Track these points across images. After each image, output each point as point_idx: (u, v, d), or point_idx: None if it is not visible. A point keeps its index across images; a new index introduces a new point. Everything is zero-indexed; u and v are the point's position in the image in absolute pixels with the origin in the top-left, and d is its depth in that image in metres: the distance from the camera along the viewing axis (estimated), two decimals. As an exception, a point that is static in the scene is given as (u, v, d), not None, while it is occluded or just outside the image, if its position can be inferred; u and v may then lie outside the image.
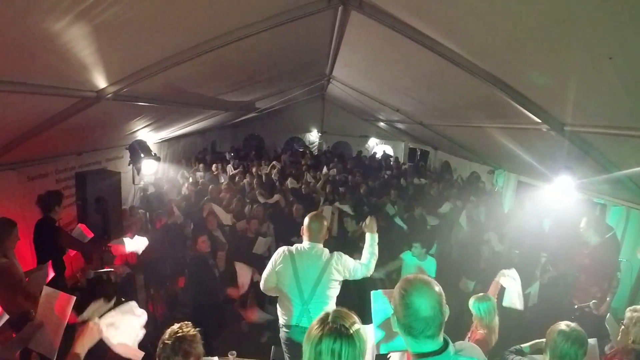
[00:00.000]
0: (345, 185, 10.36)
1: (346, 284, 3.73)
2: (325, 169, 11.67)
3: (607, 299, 4.61)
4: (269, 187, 9.51)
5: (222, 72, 5.89)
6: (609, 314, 4.05)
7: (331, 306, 3.54)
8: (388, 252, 5.92)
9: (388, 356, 2.80)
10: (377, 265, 3.83)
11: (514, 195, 9.09)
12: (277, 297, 3.71)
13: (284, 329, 3.61)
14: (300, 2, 3.92)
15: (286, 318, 3.58)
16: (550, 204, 6.69)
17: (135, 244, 5.24)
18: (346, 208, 7.72)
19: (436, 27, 3.88)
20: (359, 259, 3.72)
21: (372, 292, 3.06)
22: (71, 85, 3.86)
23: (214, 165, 11.30)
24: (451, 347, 1.75)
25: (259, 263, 5.57)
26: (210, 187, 8.89)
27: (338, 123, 17.52)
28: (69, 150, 6.53)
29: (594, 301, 4.36)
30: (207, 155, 13.69)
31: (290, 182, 9.79)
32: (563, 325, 2.62)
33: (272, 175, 10.43)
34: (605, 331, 3.83)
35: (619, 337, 3.17)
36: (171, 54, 4.07)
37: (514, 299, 4.10)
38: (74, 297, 2.86)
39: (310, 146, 18.18)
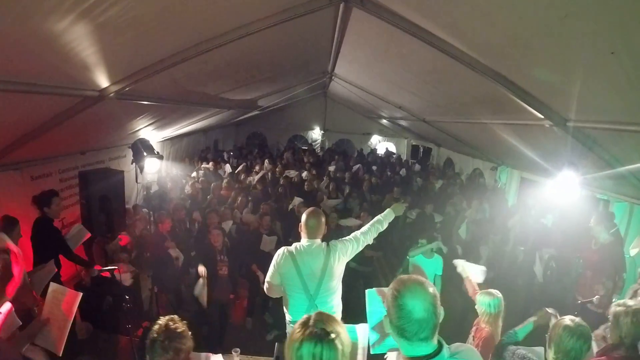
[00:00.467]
0: (348, 182, 10.38)
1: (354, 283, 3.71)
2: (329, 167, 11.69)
3: (613, 300, 4.59)
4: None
5: (224, 71, 5.89)
6: None
7: (337, 298, 3.58)
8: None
9: (385, 356, 2.80)
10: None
11: (517, 192, 9.08)
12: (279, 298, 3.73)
13: (292, 325, 3.62)
14: (303, 0, 3.92)
15: (293, 315, 3.58)
16: (553, 200, 6.69)
17: None
18: (333, 202, 7.75)
19: (438, 24, 3.87)
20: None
21: (366, 291, 3.07)
22: (74, 84, 3.87)
23: (213, 164, 11.36)
24: (445, 350, 1.72)
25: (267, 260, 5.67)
26: (213, 184, 8.92)
27: (340, 120, 17.51)
28: (73, 149, 6.55)
29: (597, 297, 4.35)
30: (209, 153, 13.72)
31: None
32: (568, 320, 2.61)
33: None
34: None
35: (610, 333, 3.16)
36: (173, 52, 4.07)
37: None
38: (80, 294, 2.89)
39: (313, 144, 18.18)
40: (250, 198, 8.42)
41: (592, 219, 5.07)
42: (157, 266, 5.63)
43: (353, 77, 9.54)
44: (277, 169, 11.21)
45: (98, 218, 4.97)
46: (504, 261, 6.47)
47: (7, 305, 2.81)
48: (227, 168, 11.45)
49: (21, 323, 2.88)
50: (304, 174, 10.42)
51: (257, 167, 11.32)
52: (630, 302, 3.00)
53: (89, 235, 5.16)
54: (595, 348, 3.19)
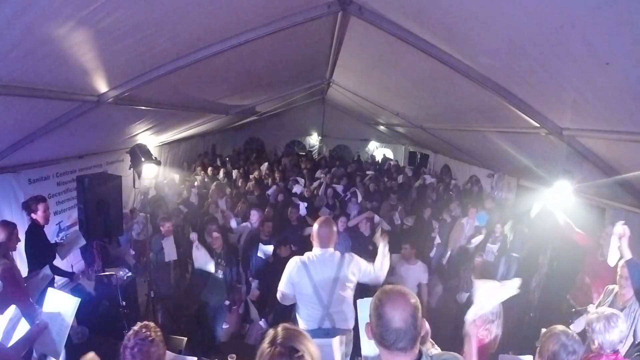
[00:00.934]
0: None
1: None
2: (319, 173, 11.71)
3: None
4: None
5: (222, 77, 5.92)
6: None
7: (350, 305, 3.58)
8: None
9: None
10: None
11: (514, 199, 9.11)
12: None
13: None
14: (301, 8, 3.95)
15: (307, 323, 3.58)
16: (551, 207, 6.71)
17: None
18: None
19: (435, 33, 3.91)
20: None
21: (358, 301, 3.10)
22: (72, 89, 3.89)
23: (211, 169, 11.38)
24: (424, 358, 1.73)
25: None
26: (212, 188, 8.93)
27: (338, 126, 17.55)
28: (70, 153, 6.55)
29: (591, 305, 4.36)
30: (207, 158, 13.71)
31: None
32: (563, 337, 2.59)
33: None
34: None
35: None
36: (172, 59, 4.10)
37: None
38: (78, 299, 2.89)
39: (311, 150, 18.20)
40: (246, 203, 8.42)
41: (604, 232, 4.99)
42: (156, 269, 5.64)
43: (351, 84, 9.59)
44: (275, 175, 11.21)
45: (95, 222, 4.95)
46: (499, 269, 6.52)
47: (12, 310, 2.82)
48: (221, 173, 11.46)
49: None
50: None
51: (255, 173, 11.33)
52: (604, 309, 3.06)
53: (84, 242, 5.16)
54: None
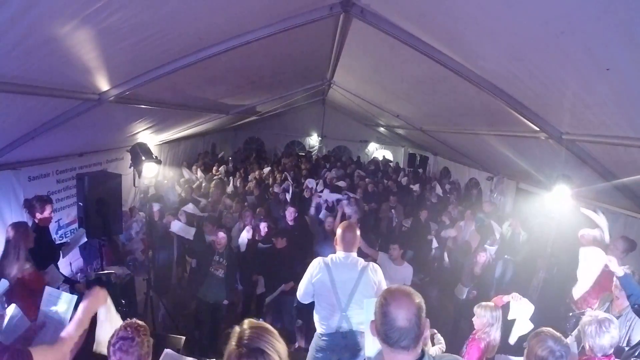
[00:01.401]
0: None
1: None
2: (324, 173, 11.69)
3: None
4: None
5: (224, 77, 5.93)
6: None
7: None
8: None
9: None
10: None
11: (513, 202, 9.12)
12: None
13: (324, 338, 3.64)
14: (303, 10, 3.96)
15: (325, 325, 3.62)
16: (549, 211, 6.72)
17: None
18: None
19: (437, 36, 3.92)
20: None
21: (365, 300, 3.12)
22: (74, 87, 3.89)
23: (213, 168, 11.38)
24: (426, 358, 1.77)
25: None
26: (212, 190, 8.95)
27: (338, 127, 17.57)
28: (71, 151, 6.55)
29: (588, 309, 4.37)
30: (207, 158, 13.71)
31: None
32: (551, 342, 2.56)
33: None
34: None
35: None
36: (174, 58, 4.11)
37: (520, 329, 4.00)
38: (75, 297, 2.89)
39: (310, 150, 18.21)
40: (246, 204, 8.43)
41: (611, 244, 4.98)
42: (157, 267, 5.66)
43: (352, 85, 9.60)
44: (276, 175, 11.22)
45: (95, 220, 4.95)
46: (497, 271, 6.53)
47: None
48: (222, 169, 11.46)
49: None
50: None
51: (256, 173, 11.34)
52: (599, 313, 3.07)
53: (84, 240, 5.16)
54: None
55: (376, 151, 18.27)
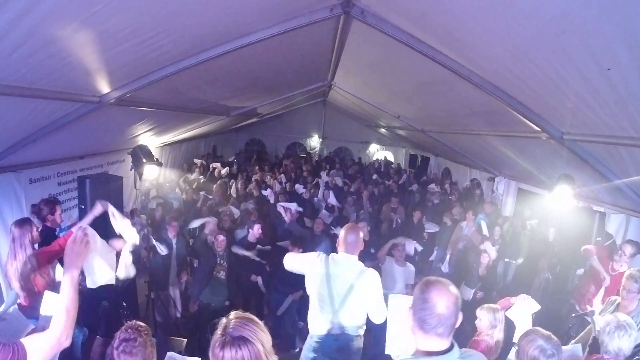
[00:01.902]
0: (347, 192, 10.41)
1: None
2: (323, 174, 11.67)
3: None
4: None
5: (224, 79, 5.93)
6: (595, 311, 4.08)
7: (362, 316, 3.52)
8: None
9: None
10: None
11: (514, 203, 9.11)
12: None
13: (315, 339, 3.57)
14: (303, 11, 3.96)
15: (316, 325, 3.56)
16: (551, 212, 6.73)
17: None
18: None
19: (437, 37, 3.92)
20: None
21: (390, 296, 3.11)
22: (74, 90, 3.89)
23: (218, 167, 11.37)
24: (456, 351, 1.81)
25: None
26: (214, 190, 8.94)
27: (339, 128, 17.56)
28: (71, 153, 6.56)
29: (591, 309, 4.36)
30: (210, 159, 13.69)
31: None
32: (541, 340, 2.54)
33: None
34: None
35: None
36: (174, 60, 4.11)
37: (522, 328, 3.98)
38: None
39: (311, 151, 18.22)
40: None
41: (619, 251, 4.96)
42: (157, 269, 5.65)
43: (352, 86, 9.60)
44: (277, 177, 11.22)
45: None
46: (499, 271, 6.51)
47: None
48: (224, 171, 11.46)
49: None
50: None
51: (257, 175, 11.33)
52: (619, 316, 3.04)
53: None
54: None
55: (377, 152, 18.25)
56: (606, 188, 5.05)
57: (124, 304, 4.59)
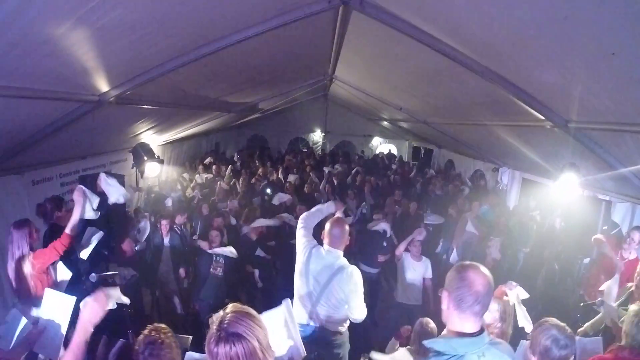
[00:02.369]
0: (349, 185, 10.37)
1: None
2: (325, 168, 11.63)
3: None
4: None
5: (224, 74, 5.89)
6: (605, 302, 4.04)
7: (341, 311, 3.51)
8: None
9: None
10: None
11: (519, 193, 9.05)
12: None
13: (300, 328, 3.57)
14: (301, 3, 3.92)
15: (298, 315, 3.50)
16: (555, 201, 6.67)
17: None
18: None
19: (438, 26, 3.86)
20: None
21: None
22: (73, 89, 3.87)
23: (216, 167, 11.34)
24: (486, 335, 1.85)
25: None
26: (218, 188, 8.93)
27: (341, 122, 17.48)
28: (73, 154, 6.56)
29: (600, 299, 4.32)
30: (211, 157, 13.68)
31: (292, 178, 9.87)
32: (555, 330, 2.51)
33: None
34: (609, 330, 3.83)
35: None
36: (173, 56, 4.08)
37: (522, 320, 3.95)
38: (74, 298, 2.88)
39: (314, 146, 18.17)
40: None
41: (628, 238, 4.94)
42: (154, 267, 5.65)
43: (353, 79, 9.54)
44: (279, 173, 11.19)
45: (98, 222, 4.96)
46: (505, 264, 6.45)
47: None
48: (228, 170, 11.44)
49: None
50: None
51: (260, 170, 11.30)
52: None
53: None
54: None
55: (380, 145, 18.18)
56: (611, 176, 5.00)
57: (128, 302, 4.58)
